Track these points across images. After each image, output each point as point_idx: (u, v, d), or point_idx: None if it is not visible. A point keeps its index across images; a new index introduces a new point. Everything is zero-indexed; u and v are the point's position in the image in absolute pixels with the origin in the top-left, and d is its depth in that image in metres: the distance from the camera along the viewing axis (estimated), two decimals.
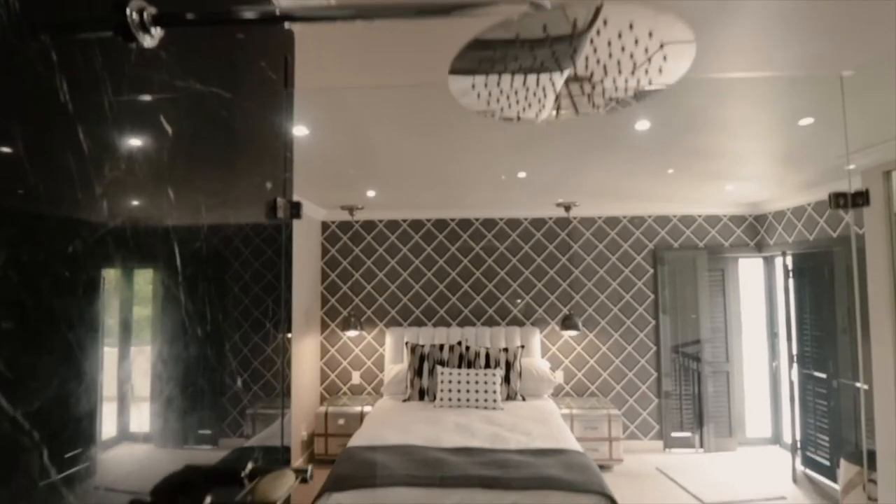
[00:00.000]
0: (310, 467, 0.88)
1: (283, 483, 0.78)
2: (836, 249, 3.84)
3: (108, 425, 0.55)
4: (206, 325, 0.74)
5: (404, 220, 4.95)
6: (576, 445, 2.99)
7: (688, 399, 4.78)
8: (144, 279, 0.63)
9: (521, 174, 3.24)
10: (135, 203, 0.60)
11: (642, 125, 2.16)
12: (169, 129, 0.66)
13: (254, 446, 0.98)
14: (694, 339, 4.79)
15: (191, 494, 0.73)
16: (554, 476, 2.47)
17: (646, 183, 3.63)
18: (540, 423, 3.34)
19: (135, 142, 0.60)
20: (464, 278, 4.91)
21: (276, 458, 1.08)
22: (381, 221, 4.96)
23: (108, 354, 0.55)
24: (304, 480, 0.87)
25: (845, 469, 3.22)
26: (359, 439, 3.05)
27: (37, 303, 0.46)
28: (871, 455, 2.99)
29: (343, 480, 2.48)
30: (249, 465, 0.89)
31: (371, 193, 3.92)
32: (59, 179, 0.49)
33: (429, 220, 4.95)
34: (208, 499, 0.73)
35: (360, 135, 2.41)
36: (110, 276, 0.55)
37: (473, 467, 2.57)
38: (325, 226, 4.99)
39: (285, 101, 1.09)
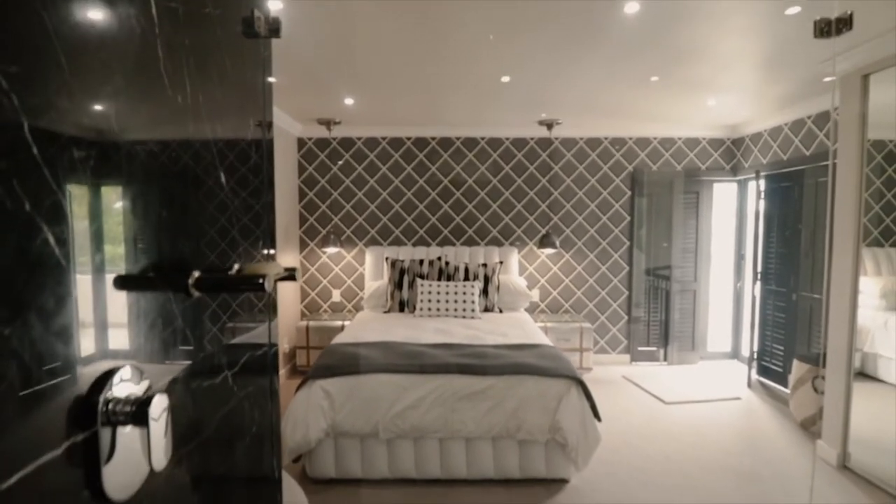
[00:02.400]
0: (298, 268, 0.90)
1: (273, 267, 0.79)
2: (808, 168, 3.94)
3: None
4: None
5: (383, 138, 4.84)
6: (548, 342, 3.13)
7: (655, 316, 5.01)
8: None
9: (505, 78, 3.15)
10: None
11: (631, 7, 2.09)
12: None
13: (241, 343, 0.97)
14: (666, 261, 4.95)
15: (179, 270, 0.73)
16: (528, 363, 2.60)
17: (629, 94, 3.59)
18: (516, 328, 3.47)
19: None
20: (444, 198, 4.89)
21: (264, 354, 1.08)
22: (359, 139, 4.83)
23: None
24: (292, 278, 0.88)
25: (797, 368, 3.48)
26: (342, 338, 3.13)
27: None
28: (822, 356, 3.23)
29: (327, 369, 2.56)
30: (236, 266, 0.90)
31: (349, 101, 3.79)
32: None
33: (409, 139, 4.84)
34: (196, 273, 0.73)
35: (340, 19, 2.28)
36: None
37: (452, 357, 2.68)
38: (301, 142, 4.84)
39: None
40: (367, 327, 3.43)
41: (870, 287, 3.38)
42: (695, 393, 4.12)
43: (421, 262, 4.32)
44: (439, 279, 4.22)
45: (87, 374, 0.55)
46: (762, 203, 4.35)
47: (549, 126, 4.52)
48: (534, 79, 3.18)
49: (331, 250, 4.74)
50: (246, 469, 0.95)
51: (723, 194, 5.08)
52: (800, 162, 4.01)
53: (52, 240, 0.48)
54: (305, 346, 4.43)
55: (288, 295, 4.60)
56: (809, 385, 3.31)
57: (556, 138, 4.84)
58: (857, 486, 2.66)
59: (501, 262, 4.49)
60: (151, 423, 0.57)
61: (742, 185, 4.96)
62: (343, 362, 2.61)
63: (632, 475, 2.74)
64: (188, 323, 0.74)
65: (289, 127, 4.50)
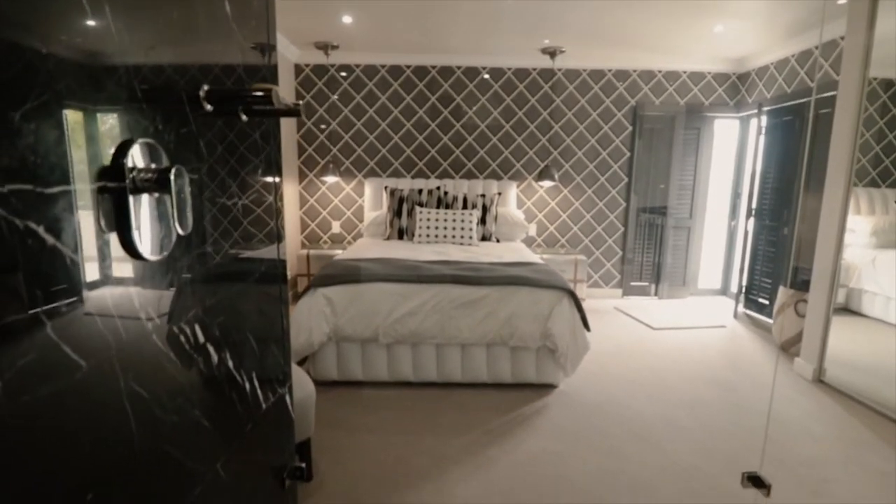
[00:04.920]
0: (301, 103, 0.93)
1: (278, 90, 0.83)
2: (810, 101, 3.91)
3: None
4: None
5: (382, 66, 4.74)
6: (542, 261, 3.22)
7: (650, 252, 5.10)
8: None
9: None
10: None
11: None
12: None
13: (250, 267, 1.00)
14: (663, 198, 4.98)
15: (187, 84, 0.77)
16: (522, 275, 2.69)
17: (634, 17, 3.50)
18: (512, 253, 3.55)
19: None
20: (443, 130, 4.85)
21: (274, 267, 1.12)
22: (357, 66, 4.73)
23: None
24: (296, 113, 0.93)
25: (781, 293, 3.59)
26: (343, 256, 3.21)
27: None
28: (806, 282, 3.33)
29: (329, 278, 2.65)
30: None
31: (348, 20, 3.69)
32: None
33: (408, 67, 4.75)
34: (205, 86, 0.77)
35: None
36: None
37: (448, 270, 2.76)
38: (298, 69, 4.75)
39: None
40: (367, 250, 3.51)
41: (862, 225, 3.44)
42: (682, 321, 4.27)
43: (420, 191, 4.35)
44: (438, 207, 4.27)
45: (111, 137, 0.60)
46: (762, 138, 4.33)
47: (553, 54, 4.42)
48: None
49: (330, 179, 4.75)
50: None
51: (724, 131, 5.05)
52: (804, 94, 3.97)
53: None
54: (307, 273, 4.54)
55: (288, 225, 4.66)
56: (792, 309, 3.44)
57: (559, 69, 4.75)
58: (829, 396, 2.82)
59: (500, 194, 4.53)
60: (173, 189, 0.63)
61: (744, 122, 4.92)
62: (344, 272, 2.70)
63: (617, 383, 2.90)
64: (200, 134, 0.79)
65: (285, 51, 4.40)
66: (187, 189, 0.67)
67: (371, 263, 2.89)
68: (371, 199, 4.71)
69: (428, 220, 4.05)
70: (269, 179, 1.08)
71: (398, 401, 2.60)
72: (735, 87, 4.86)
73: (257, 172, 1.02)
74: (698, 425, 2.46)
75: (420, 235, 4.03)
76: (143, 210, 0.62)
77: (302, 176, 4.93)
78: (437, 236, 4.01)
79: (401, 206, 4.27)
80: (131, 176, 0.61)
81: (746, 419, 2.54)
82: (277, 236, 1.14)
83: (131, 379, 0.62)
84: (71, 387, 0.52)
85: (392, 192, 4.36)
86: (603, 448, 2.22)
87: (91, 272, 0.56)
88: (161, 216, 0.65)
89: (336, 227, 5.01)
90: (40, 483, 0.48)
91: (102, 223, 0.58)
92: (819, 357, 3.04)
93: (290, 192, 4.77)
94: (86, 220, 0.55)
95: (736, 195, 5.06)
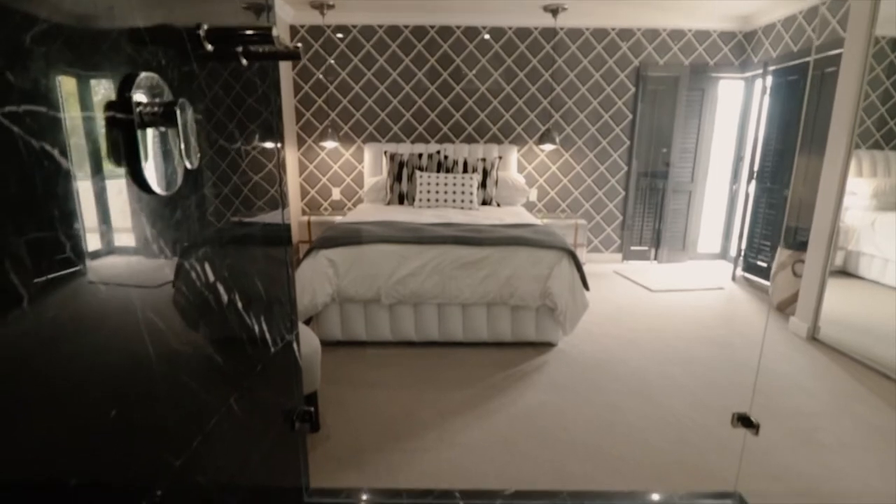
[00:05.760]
0: (301, 46, 0.93)
1: (274, 29, 0.83)
2: (814, 60, 3.83)
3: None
4: None
5: (380, 26, 4.63)
6: (541, 224, 3.23)
7: (650, 217, 5.10)
8: None
9: None
10: None
11: None
12: None
13: (255, 221, 1.00)
14: (664, 161, 4.95)
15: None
16: (522, 236, 2.71)
17: None
18: (513, 216, 3.56)
19: None
20: (443, 93, 4.78)
21: (279, 229, 1.12)
22: (354, 27, 4.62)
23: None
24: (296, 56, 0.93)
25: (780, 254, 3.62)
26: (344, 220, 3.22)
27: None
28: (805, 243, 3.35)
29: (330, 240, 2.67)
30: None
31: None
32: None
33: (406, 27, 4.63)
34: (204, 25, 0.77)
35: None
36: None
37: (449, 231, 2.78)
38: (293, 30, 4.64)
39: None
40: (368, 214, 3.52)
41: (863, 188, 3.43)
42: (680, 284, 4.32)
43: (420, 155, 4.33)
44: (438, 172, 4.25)
45: (115, 71, 0.60)
46: (766, 99, 4.27)
47: (555, 12, 4.31)
48: None
49: (329, 145, 4.71)
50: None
51: (728, 93, 4.97)
52: (810, 53, 3.89)
53: None
54: (308, 240, 4.56)
55: (289, 192, 4.65)
56: (790, 269, 3.47)
57: (562, 28, 4.64)
58: (823, 353, 2.89)
59: (500, 158, 4.50)
60: (179, 123, 0.64)
61: (749, 83, 4.84)
62: (346, 234, 2.72)
63: (614, 342, 2.96)
64: (203, 78, 0.79)
65: (280, 10, 4.29)
66: (192, 123, 0.68)
67: (372, 226, 2.90)
68: (371, 164, 4.68)
69: (428, 184, 4.04)
70: (271, 145, 1.10)
71: (401, 359, 2.67)
72: (741, 46, 4.75)
73: (256, 138, 1.03)
74: (693, 381, 2.52)
75: (420, 200, 4.03)
76: (150, 145, 0.64)
77: (301, 142, 4.88)
78: (437, 200, 4.01)
79: (401, 171, 4.25)
80: (138, 110, 0.62)
81: (741, 375, 2.60)
82: (281, 202, 1.16)
83: (148, 308, 0.65)
84: (91, 309, 0.55)
85: (392, 157, 4.33)
86: (600, 401, 2.29)
87: (102, 203, 0.58)
88: (167, 153, 0.66)
89: (336, 193, 5.00)
90: (69, 394, 0.51)
91: (112, 156, 0.59)
92: (814, 316, 3.09)
93: (290, 158, 4.74)
94: (97, 152, 0.56)
95: (738, 158, 5.03)
